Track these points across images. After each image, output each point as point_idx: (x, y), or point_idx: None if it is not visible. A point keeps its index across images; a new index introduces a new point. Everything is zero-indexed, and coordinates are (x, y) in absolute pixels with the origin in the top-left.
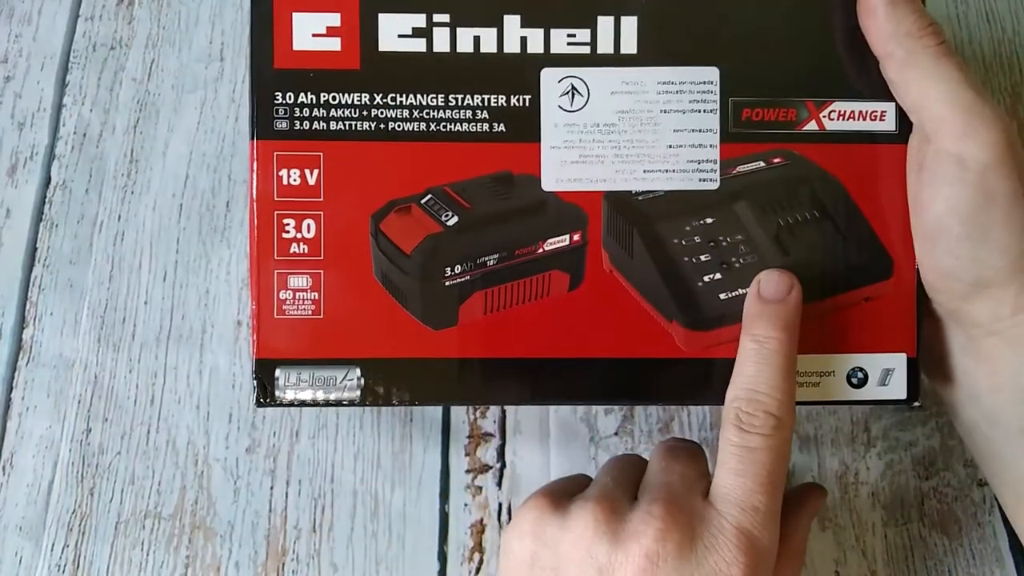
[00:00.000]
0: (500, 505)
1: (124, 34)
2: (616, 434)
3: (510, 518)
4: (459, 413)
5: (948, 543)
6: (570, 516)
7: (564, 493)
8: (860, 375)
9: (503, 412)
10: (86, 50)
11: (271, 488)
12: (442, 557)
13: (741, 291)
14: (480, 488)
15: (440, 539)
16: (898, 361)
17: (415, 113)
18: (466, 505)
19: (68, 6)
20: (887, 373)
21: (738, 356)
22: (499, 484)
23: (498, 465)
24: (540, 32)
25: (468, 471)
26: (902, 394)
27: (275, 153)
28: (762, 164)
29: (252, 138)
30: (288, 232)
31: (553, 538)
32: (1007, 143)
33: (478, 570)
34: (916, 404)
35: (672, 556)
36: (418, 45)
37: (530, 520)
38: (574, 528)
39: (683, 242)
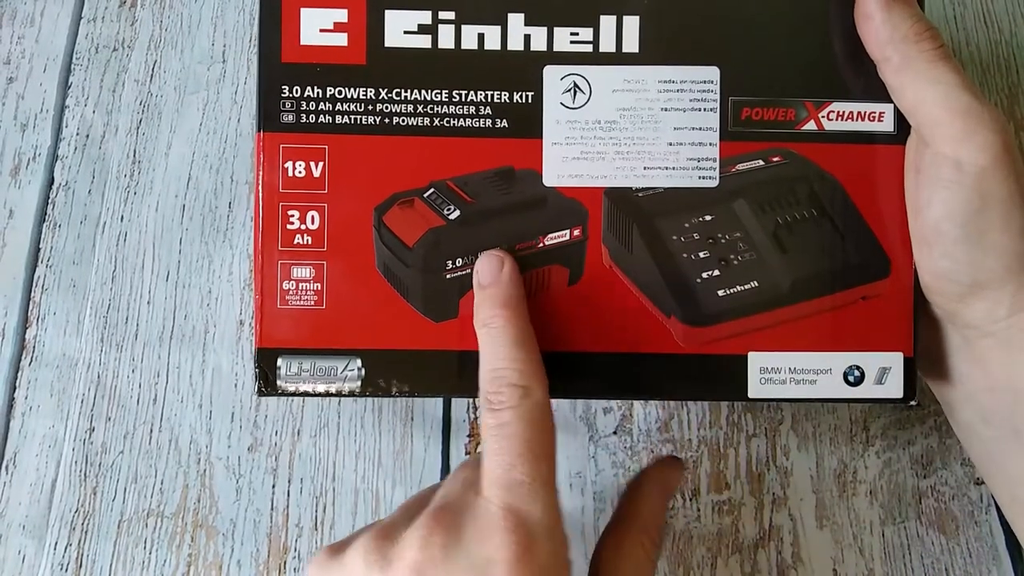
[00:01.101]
0: None
1: (126, 36)
2: (615, 433)
3: None
4: (460, 412)
5: (945, 542)
6: (345, 556)
7: (349, 540)
8: (856, 373)
9: None
10: (88, 52)
11: (273, 486)
12: None
13: (739, 288)
14: None
15: None
16: (895, 360)
17: (419, 108)
18: None
19: (71, 8)
20: (884, 372)
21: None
22: None
23: None
24: (543, 30)
25: None
26: (899, 393)
27: (281, 145)
28: (761, 163)
29: (259, 130)
30: (292, 223)
31: None
32: (1004, 146)
33: None
34: (913, 403)
35: (438, 559)
36: (423, 41)
37: (313, 571)
38: (348, 564)
39: (682, 239)
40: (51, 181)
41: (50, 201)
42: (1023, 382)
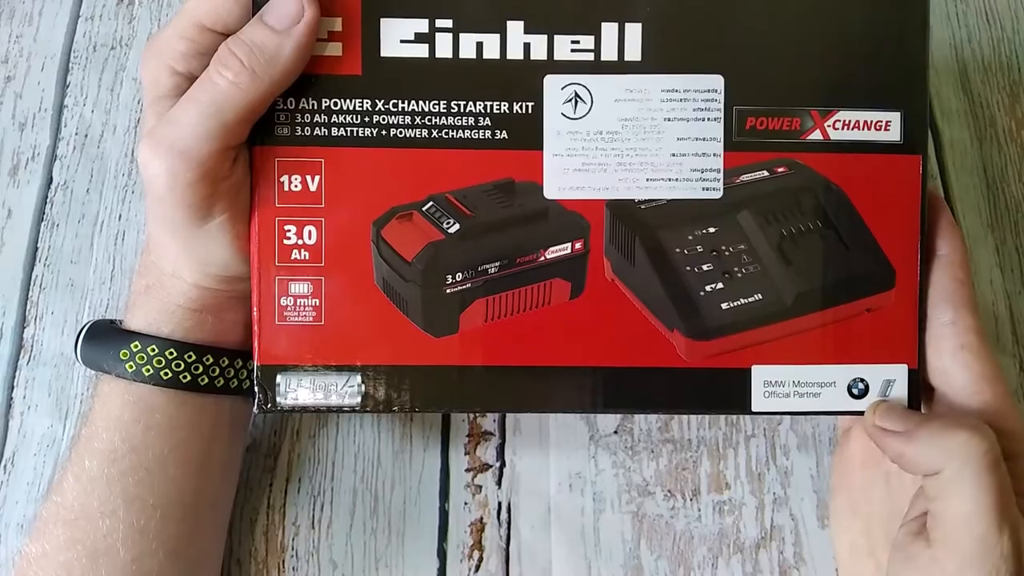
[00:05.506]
0: (500, 504)
1: (124, 34)
2: (616, 433)
3: (510, 517)
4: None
5: None
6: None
7: None
8: (861, 386)
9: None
10: (87, 50)
11: (270, 485)
12: (442, 555)
13: (743, 301)
14: (480, 487)
15: (440, 537)
16: (899, 372)
17: (417, 119)
18: (466, 504)
19: (69, 6)
20: (888, 384)
21: None
22: (499, 483)
23: (498, 464)
24: (543, 38)
25: (468, 470)
26: (903, 405)
27: (276, 159)
28: (766, 173)
29: (253, 143)
30: (289, 238)
31: None
32: None
33: (477, 568)
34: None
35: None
36: (420, 51)
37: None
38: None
39: (685, 251)
40: (49, 180)
41: (48, 200)
42: None
